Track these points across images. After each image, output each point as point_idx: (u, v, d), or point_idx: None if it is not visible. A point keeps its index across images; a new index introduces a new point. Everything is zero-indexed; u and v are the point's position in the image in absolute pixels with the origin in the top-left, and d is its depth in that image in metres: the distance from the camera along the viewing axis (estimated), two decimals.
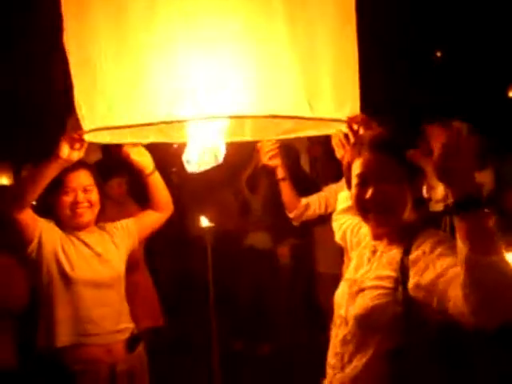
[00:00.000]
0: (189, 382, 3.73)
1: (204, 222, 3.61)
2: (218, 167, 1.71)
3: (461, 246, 1.24)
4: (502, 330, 1.23)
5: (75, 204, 2.31)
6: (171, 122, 1.62)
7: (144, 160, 2.35)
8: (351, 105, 1.77)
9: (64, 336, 2.23)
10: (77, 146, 1.96)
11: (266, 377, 4.15)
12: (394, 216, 1.57)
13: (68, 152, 1.98)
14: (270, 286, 4.79)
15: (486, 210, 1.22)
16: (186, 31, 1.50)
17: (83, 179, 2.34)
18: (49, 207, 2.33)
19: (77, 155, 2.00)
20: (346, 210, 1.98)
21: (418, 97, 7.49)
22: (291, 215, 3.13)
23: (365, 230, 1.72)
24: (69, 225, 2.35)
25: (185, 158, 1.70)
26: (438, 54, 9.41)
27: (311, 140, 4.65)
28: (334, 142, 1.91)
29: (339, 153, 1.90)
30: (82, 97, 1.74)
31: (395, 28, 7.08)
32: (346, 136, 1.86)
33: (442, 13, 7.29)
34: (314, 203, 3.11)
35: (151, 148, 2.28)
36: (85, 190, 2.33)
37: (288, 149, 4.38)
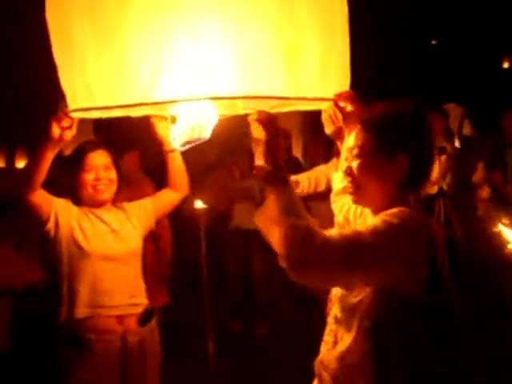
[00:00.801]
0: (185, 366, 3.72)
1: (198, 203, 3.60)
2: (213, 147, 1.69)
3: None
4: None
5: (97, 181, 2.42)
6: (150, 104, 1.61)
7: (168, 135, 2.36)
8: (339, 82, 1.74)
9: (83, 308, 2.35)
10: (65, 124, 1.98)
11: (264, 357, 4.18)
12: (368, 194, 1.57)
13: (58, 132, 2.01)
14: (265, 266, 4.78)
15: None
16: (165, 13, 1.50)
17: (103, 158, 2.46)
18: (70, 186, 2.45)
19: (69, 134, 2.03)
20: (343, 191, 1.95)
21: (416, 78, 7.50)
22: None
23: (367, 210, 1.70)
24: (89, 202, 2.45)
25: (171, 135, 1.69)
26: (433, 42, 9.43)
27: (304, 121, 4.61)
28: (324, 118, 1.87)
29: (329, 128, 1.86)
30: (64, 77, 1.74)
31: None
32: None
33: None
34: (303, 181, 3.09)
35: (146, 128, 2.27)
36: (105, 168, 2.44)
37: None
